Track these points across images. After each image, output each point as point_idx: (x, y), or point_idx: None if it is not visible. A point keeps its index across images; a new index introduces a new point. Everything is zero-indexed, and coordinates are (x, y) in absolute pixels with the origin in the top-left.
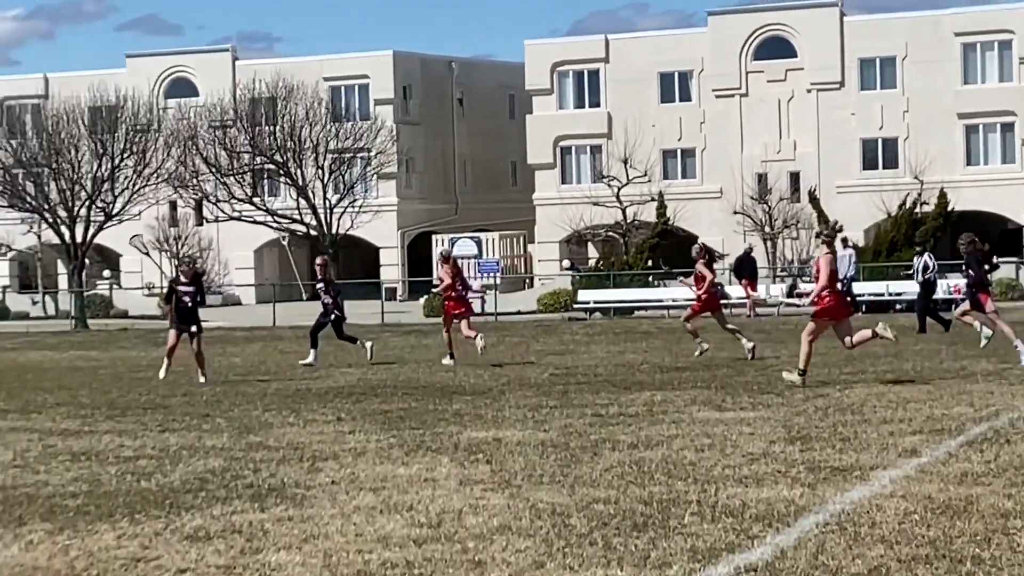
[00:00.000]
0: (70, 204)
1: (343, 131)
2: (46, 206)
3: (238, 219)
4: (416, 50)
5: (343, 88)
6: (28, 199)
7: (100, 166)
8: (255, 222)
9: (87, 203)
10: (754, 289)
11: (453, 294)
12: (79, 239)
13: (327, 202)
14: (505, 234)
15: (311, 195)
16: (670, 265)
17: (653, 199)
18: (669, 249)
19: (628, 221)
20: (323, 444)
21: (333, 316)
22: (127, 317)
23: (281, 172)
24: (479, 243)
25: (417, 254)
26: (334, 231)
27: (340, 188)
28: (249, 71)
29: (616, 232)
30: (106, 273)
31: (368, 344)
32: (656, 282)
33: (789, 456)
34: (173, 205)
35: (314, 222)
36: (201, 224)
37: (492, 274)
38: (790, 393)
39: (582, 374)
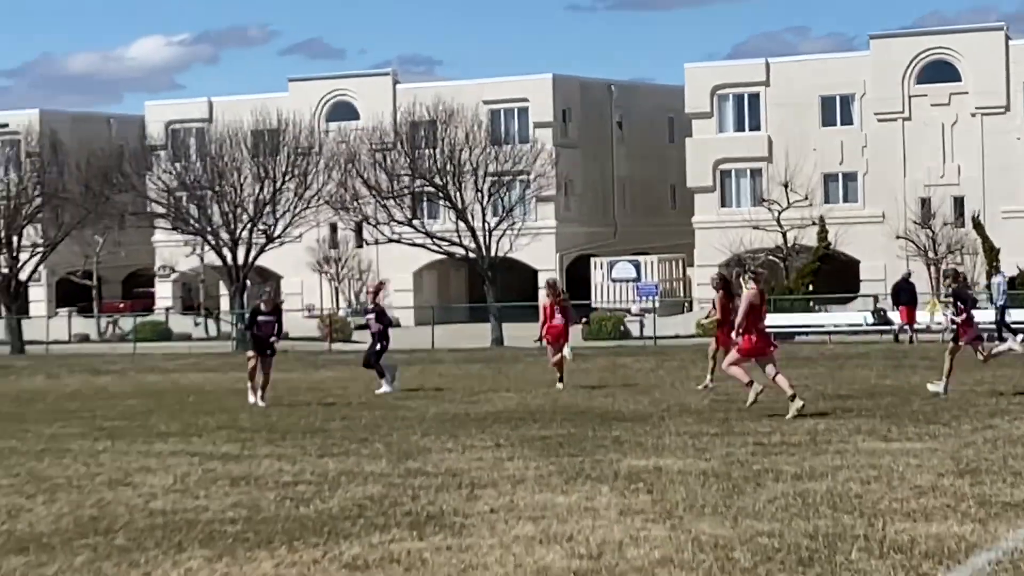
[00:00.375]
0: (232, 226)
1: (502, 154)
2: (209, 228)
3: (397, 241)
4: (575, 73)
5: (502, 111)
6: (192, 222)
7: (262, 189)
8: (414, 244)
9: (249, 225)
10: (912, 316)
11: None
12: (241, 261)
13: (486, 225)
14: (664, 257)
15: (470, 218)
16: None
17: (814, 223)
18: (830, 274)
19: (789, 245)
20: (482, 471)
21: (380, 345)
22: (287, 339)
23: (440, 195)
24: (638, 266)
25: (575, 277)
26: (492, 253)
27: (499, 211)
28: (409, 94)
29: (776, 256)
30: None
31: (389, 384)
32: (817, 307)
33: (959, 490)
34: (333, 227)
35: (473, 245)
36: (361, 246)
37: (651, 297)
38: (957, 424)
39: (743, 401)
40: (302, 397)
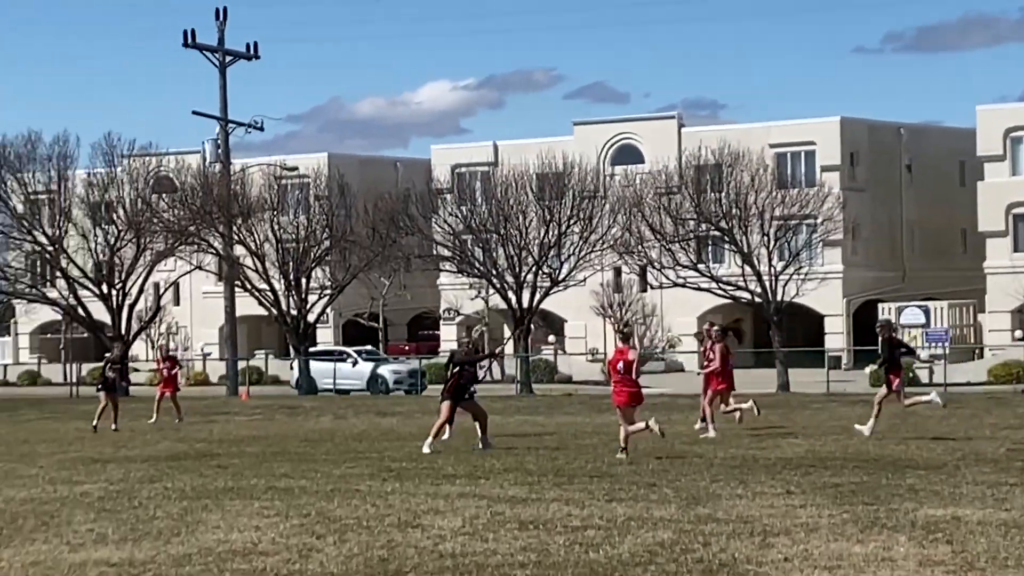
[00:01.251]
0: (517, 270)
1: (789, 198)
2: (494, 271)
3: (683, 285)
4: (863, 116)
5: (789, 154)
6: (477, 264)
7: (547, 232)
8: (699, 288)
9: (534, 269)
10: None
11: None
12: (525, 304)
13: (772, 269)
14: (954, 303)
15: (756, 262)
16: None
17: None
18: None
19: None
20: (773, 518)
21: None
22: (571, 382)
23: (726, 239)
24: (927, 312)
25: (862, 322)
26: (779, 298)
27: (785, 255)
28: (695, 138)
29: None
30: (551, 338)
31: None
32: None
33: None
34: (617, 271)
35: (759, 289)
36: (645, 290)
37: (940, 343)
38: None
39: None
40: (587, 441)
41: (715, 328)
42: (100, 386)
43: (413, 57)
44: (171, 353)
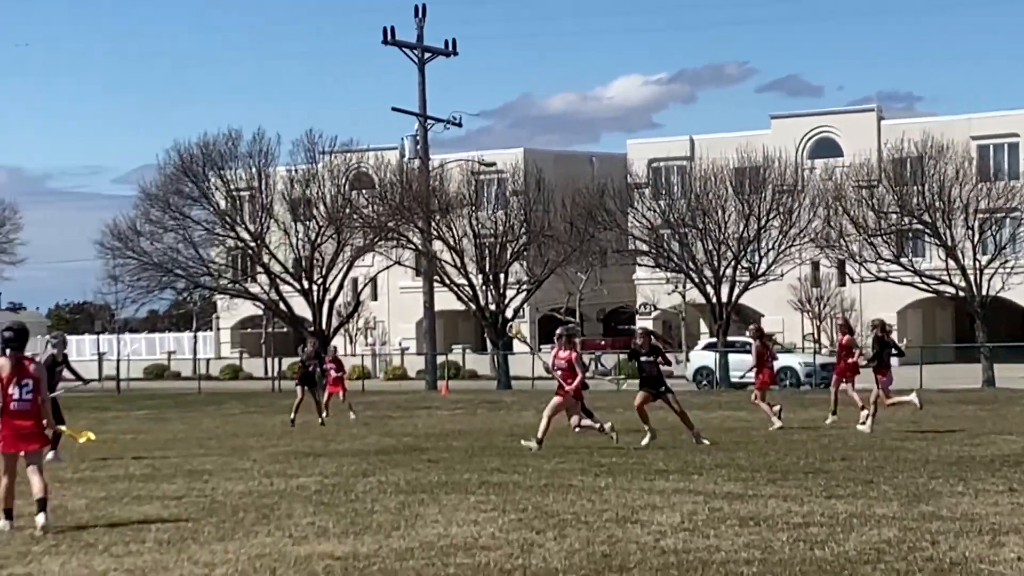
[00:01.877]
0: (716, 264)
1: (994, 190)
2: (692, 266)
3: (884, 279)
4: None
5: (991, 146)
6: (674, 259)
7: (746, 226)
8: (901, 283)
9: (732, 263)
10: None
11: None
12: (723, 299)
13: (976, 263)
14: None
15: (960, 255)
16: None
17: None
18: None
19: None
20: (1000, 516)
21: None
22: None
23: (928, 232)
24: None
25: None
26: (983, 292)
27: (990, 249)
28: (894, 130)
29: None
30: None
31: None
32: None
33: None
34: (815, 265)
35: (962, 283)
36: (844, 284)
37: None
38: None
39: None
40: (795, 436)
41: (751, 328)
42: (298, 381)
43: (604, 52)
44: (338, 355)
